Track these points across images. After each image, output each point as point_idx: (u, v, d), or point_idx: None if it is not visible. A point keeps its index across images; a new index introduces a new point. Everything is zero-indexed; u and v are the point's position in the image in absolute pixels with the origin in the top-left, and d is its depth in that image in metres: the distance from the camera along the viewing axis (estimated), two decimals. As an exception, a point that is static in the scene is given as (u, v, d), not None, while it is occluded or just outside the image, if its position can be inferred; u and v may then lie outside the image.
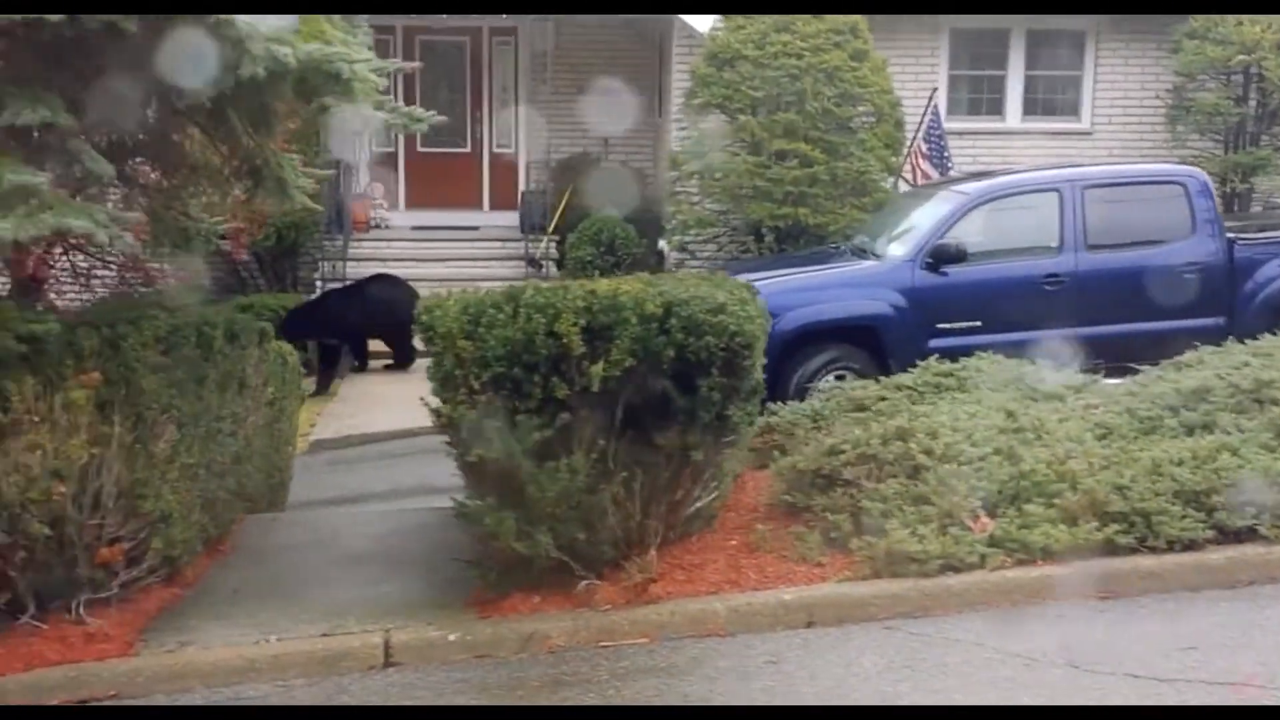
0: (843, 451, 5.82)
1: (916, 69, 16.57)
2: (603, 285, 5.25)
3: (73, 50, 5.00)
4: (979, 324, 10.01)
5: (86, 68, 5.06)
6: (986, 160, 16.48)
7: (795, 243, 15.20)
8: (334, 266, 17.28)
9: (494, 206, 19.30)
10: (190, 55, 4.89)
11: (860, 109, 15.30)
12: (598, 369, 5.02)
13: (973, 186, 11.09)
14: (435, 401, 5.29)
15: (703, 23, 16.18)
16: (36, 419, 5.14)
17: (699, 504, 5.63)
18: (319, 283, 17.07)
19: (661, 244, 17.43)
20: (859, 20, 15.38)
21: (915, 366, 8.03)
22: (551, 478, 5.11)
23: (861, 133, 15.29)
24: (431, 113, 6.52)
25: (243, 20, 4.83)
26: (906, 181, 15.54)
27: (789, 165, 15.00)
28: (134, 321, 5.65)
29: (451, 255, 18.11)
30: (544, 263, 17.78)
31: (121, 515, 5.53)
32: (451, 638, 5.26)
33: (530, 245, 17.82)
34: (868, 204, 15.45)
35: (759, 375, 5.55)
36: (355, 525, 7.66)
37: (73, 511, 5.29)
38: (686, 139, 15.96)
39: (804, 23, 15.19)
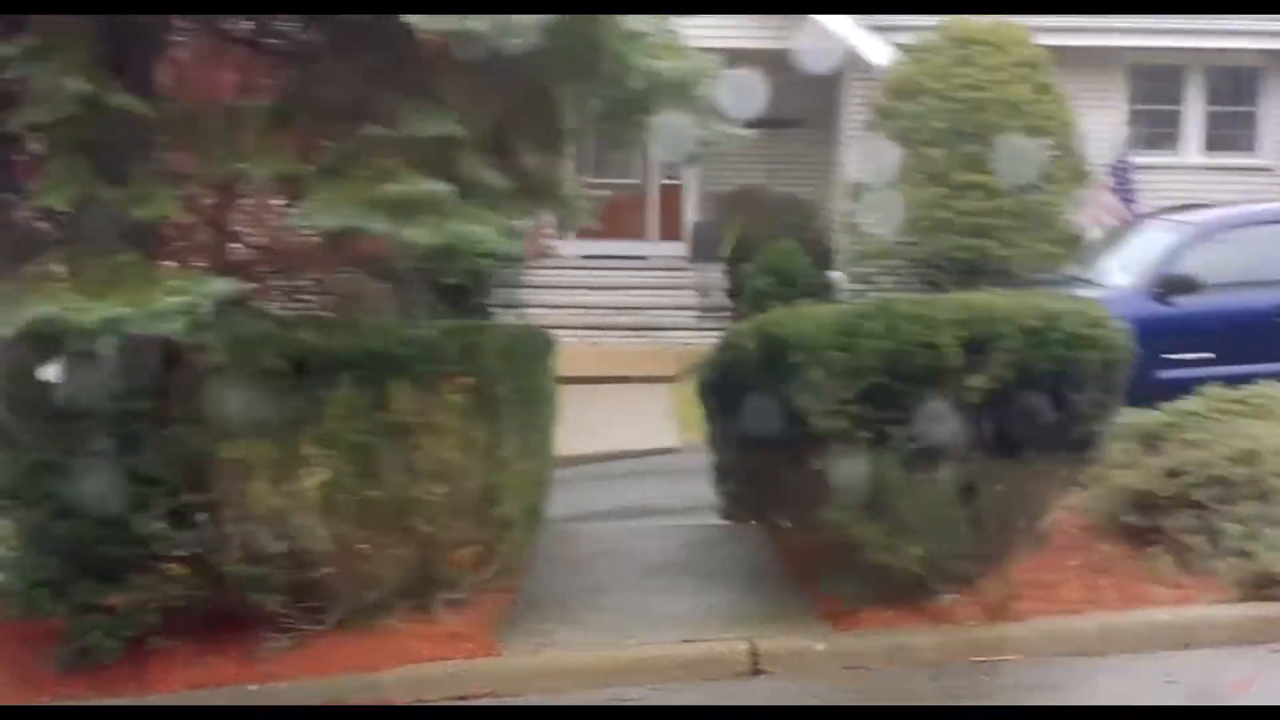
0: (1184, 473, 5.79)
1: (1094, 104, 16.46)
2: (975, 299, 5.31)
3: (459, 64, 5.18)
4: (1211, 356, 9.88)
5: (474, 82, 5.23)
6: (1164, 195, 16.28)
7: (979, 275, 15.13)
8: (510, 294, 17.55)
9: (661, 237, 19.48)
10: (581, 68, 5.04)
11: (1044, 142, 15.25)
12: (976, 381, 5.06)
13: (1201, 217, 10.99)
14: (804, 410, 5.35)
15: (880, 55, 16.25)
16: (419, 421, 5.29)
17: (1046, 521, 5.64)
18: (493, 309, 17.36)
19: (833, 274, 17.48)
20: (1040, 54, 15.35)
21: (1143, 398, 7.89)
22: (922, 490, 5.15)
23: (1048, 166, 15.23)
24: (747, 133, 6.62)
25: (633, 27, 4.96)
26: (1090, 217, 15.43)
27: (974, 197, 14.98)
28: (481, 330, 5.82)
29: (622, 284, 18.31)
30: (716, 292, 17.90)
31: (477, 519, 5.68)
32: (819, 647, 5.31)
33: (703, 275, 17.94)
34: (1053, 237, 15.37)
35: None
36: (633, 540, 7.75)
37: (444, 513, 5.44)
38: (866, 170, 16.01)
39: (986, 56, 15.19)
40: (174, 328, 4.67)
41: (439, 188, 4.87)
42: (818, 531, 6.09)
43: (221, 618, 5.52)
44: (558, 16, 4.59)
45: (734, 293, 18.04)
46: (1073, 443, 5.33)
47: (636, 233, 19.43)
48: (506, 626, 5.77)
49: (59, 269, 5.01)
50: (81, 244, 5.08)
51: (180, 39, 5.92)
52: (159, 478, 5.23)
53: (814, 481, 5.64)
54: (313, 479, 5.24)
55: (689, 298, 18.16)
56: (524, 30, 4.56)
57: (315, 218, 4.86)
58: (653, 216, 19.70)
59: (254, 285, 5.63)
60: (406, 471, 5.32)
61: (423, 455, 5.31)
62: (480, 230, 4.98)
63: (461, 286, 17.71)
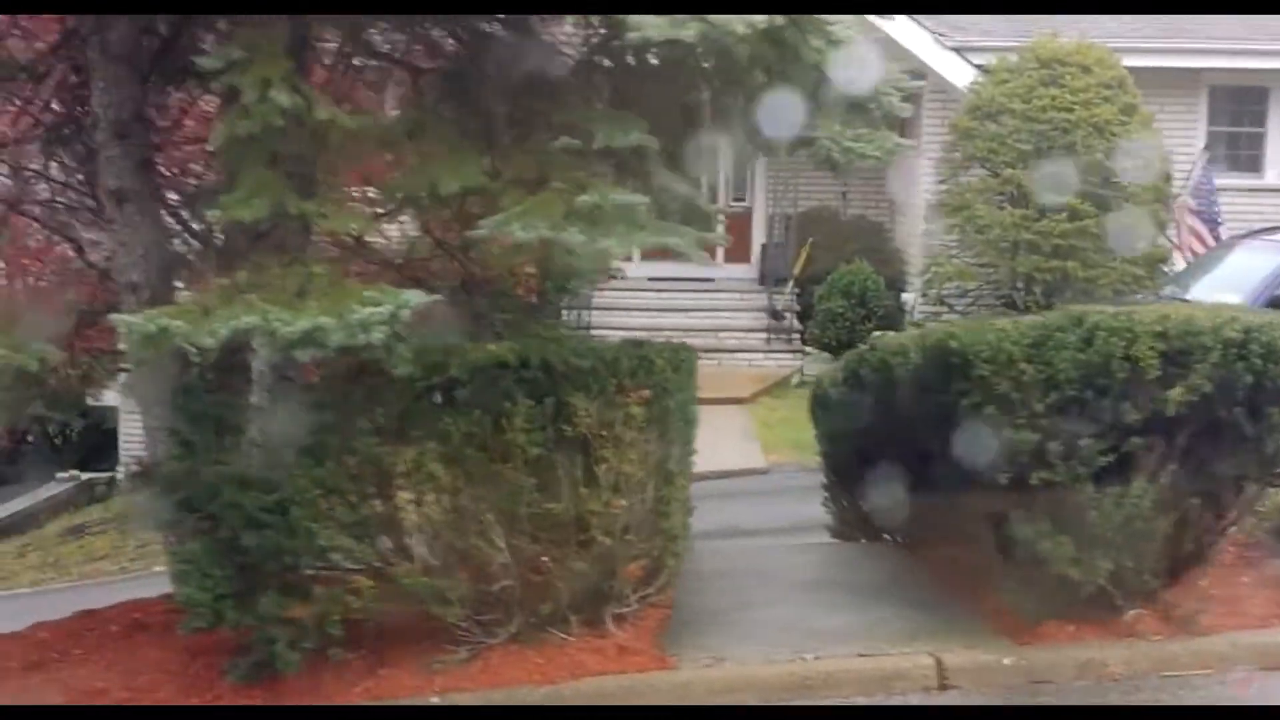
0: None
1: (1175, 124, 16.38)
2: (1172, 310, 5.27)
3: (653, 75, 5.19)
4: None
5: (664, 93, 5.23)
6: (1245, 218, 16.15)
7: (1062, 296, 15.05)
8: (579, 315, 17.56)
9: (728, 259, 19.45)
10: (776, 76, 5.03)
11: (1129, 163, 15.19)
12: (1175, 394, 5.02)
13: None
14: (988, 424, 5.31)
15: (961, 77, 16.24)
16: (599, 433, 5.28)
17: (1230, 536, 5.58)
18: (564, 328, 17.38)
19: (905, 296, 17.42)
20: (1126, 75, 15.31)
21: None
22: (1116, 503, 5.10)
23: (1131, 187, 15.17)
24: (896, 141, 6.63)
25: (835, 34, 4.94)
26: (1170, 240, 15.34)
27: (1058, 218, 14.92)
28: (642, 344, 5.82)
29: (690, 306, 18.32)
30: (786, 314, 17.87)
31: (649, 532, 5.66)
32: (1006, 661, 5.25)
33: (772, 297, 17.91)
34: (1138, 259, 15.29)
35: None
36: (766, 557, 7.75)
37: (622, 526, 5.43)
38: (945, 191, 15.98)
39: (1072, 77, 15.16)
40: (375, 338, 4.67)
41: (633, 199, 4.87)
42: (976, 547, 6.07)
43: (395, 630, 5.53)
44: (766, 19, 4.57)
45: (804, 315, 18.03)
46: (1267, 457, 5.27)
47: (703, 254, 19.41)
48: (670, 640, 5.73)
49: (246, 281, 5.03)
50: (270, 256, 5.10)
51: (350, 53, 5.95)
52: (341, 489, 5.23)
53: (985, 496, 5.61)
54: (493, 491, 5.23)
55: (757, 320, 18.15)
56: (732, 38, 4.56)
57: (510, 229, 4.85)
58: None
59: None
60: (586, 484, 5.30)
61: (604, 468, 5.29)
62: (673, 241, 4.97)
63: (530, 304, 17.82)
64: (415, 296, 4.83)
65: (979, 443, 5.40)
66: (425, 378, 5.22)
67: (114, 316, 4.83)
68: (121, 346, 5.49)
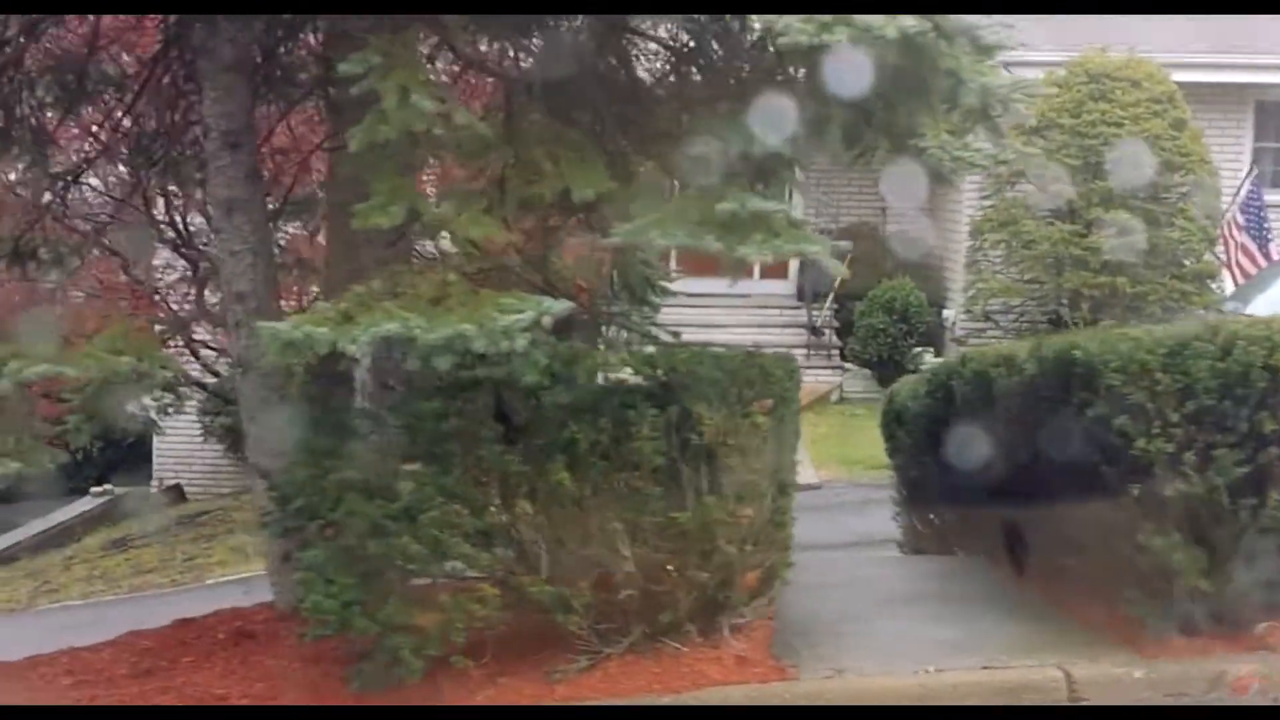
0: None
1: (1222, 140, 16.38)
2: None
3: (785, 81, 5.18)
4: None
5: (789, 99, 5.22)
6: (1290, 234, 16.15)
7: (1110, 312, 15.04)
8: (618, 331, 17.51)
9: (764, 275, 19.45)
10: (914, 84, 5.01)
11: (1178, 178, 15.20)
12: (1316, 404, 5.00)
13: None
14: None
15: (1004, 92, 16.21)
16: (725, 443, 5.27)
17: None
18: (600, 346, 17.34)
19: (946, 313, 17.40)
20: (1175, 89, 15.31)
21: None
22: (1252, 515, 5.07)
23: (1181, 202, 15.18)
24: (1037, 152, 6.61)
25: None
26: (1218, 257, 15.33)
27: (1107, 233, 14.91)
28: (757, 354, 5.82)
29: (727, 322, 18.26)
30: (825, 330, 17.86)
31: (765, 542, 5.64)
32: (1137, 675, 5.21)
33: (811, 312, 17.89)
34: (1187, 274, 15.28)
35: None
36: (854, 569, 7.72)
37: (745, 535, 5.41)
38: (989, 206, 15.97)
39: (1122, 92, 15.17)
40: (519, 345, 4.66)
41: (770, 206, 4.86)
42: (1087, 559, 6.03)
43: (513, 638, 5.50)
44: (916, 20, 4.55)
45: (843, 331, 18.00)
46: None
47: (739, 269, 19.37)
48: (782, 651, 5.69)
49: (381, 288, 5.02)
50: (405, 263, 5.09)
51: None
52: (467, 497, 5.21)
53: (1103, 508, 5.58)
54: (618, 500, 5.22)
55: (796, 336, 18.11)
56: (880, 42, 4.54)
57: (648, 236, 4.84)
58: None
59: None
60: (712, 493, 5.28)
61: (730, 477, 5.27)
62: (811, 249, 4.96)
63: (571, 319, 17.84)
64: (557, 304, 4.82)
65: (1104, 454, 5.38)
66: (551, 386, 5.20)
67: (260, 324, 4.81)
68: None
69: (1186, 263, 15.35)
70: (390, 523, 5.18)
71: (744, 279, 19.98)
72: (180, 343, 14.89)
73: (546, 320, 4.75)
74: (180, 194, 8.36)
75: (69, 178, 7.49)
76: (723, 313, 18.44)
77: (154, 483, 18.86)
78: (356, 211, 5.04)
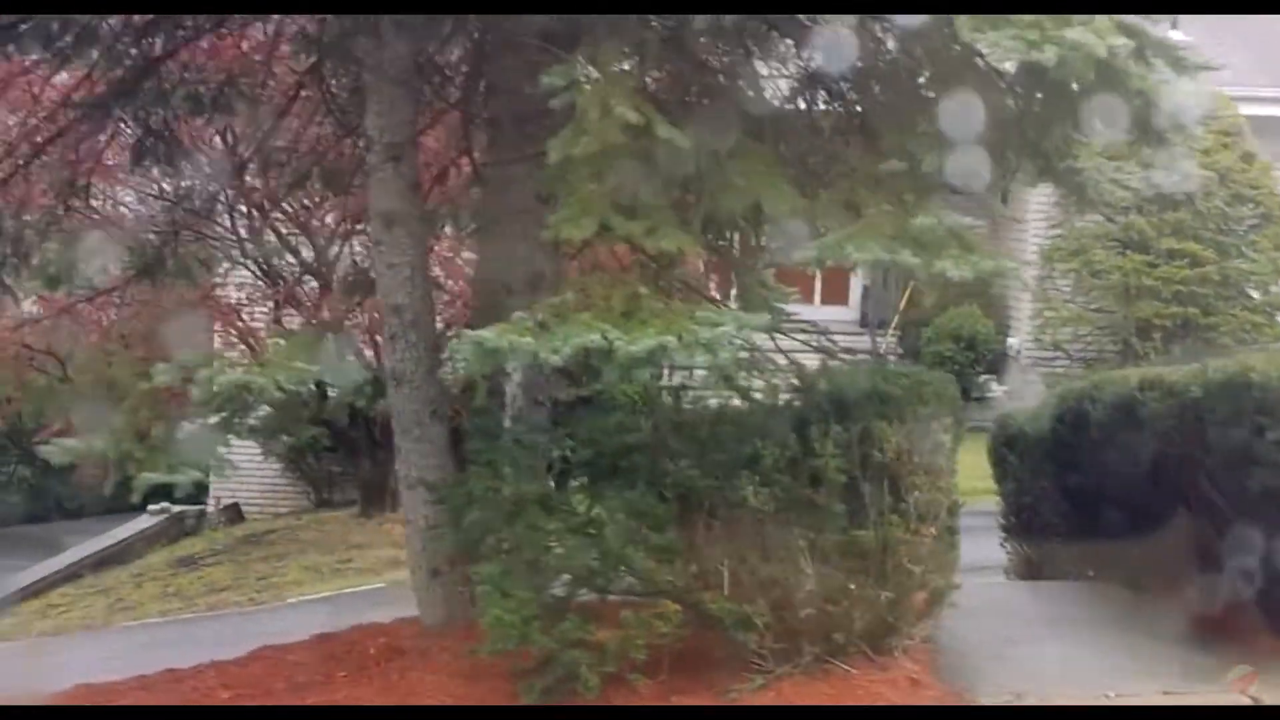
0: None
1: (1284, 172, 16.37)
2: None
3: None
4: None
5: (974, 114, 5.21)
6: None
7: (1181, 342, 15.00)
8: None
9: (824, 301, 19.43)
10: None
11: (1248, 210, 15.20)
12: None
13: None
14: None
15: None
16: (912, 460, 5.25)
17: None
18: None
19: (1011, 341, 17.36)
20: (1244, 121, 15.33)
21: None
22: None
23: (1251, 234, 15.17)
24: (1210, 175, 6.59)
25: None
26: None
27: (1178, 264, 14.90)
28: (931, 372, 5.81)
29: (786, 348, 18.20)
30: (890, 357, 17.82)
31: (937, 562, 5.60)
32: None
33: (876, 339, 17.86)
34: (1258, 306, 15.24)
35: None
36: (987, 594, 7.59)
37: (925, 554, 5.38)
38: (1058, 235, 15.96)
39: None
40: (723, 358, 4.66)
41: (966, 221, 4.85)
42: (1243, 585, 5.98)
43: (685, 655, 5.46)
44: (1124, 41, 4.55)
45: (908, 358, 17.95)
46: None
47: (798, 297, 19.37)
48: (948, 673, 5.66)
49: (574, 300, 5.02)
50: (596, 275, 5.09)
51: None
52: (649, 511, 5.19)
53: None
54: (801, 517, 5.19)
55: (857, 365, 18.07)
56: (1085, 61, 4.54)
57: (844, 252, 4.84)
58: (815, 280, 19.65)
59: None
60: (894, 511, 5.25)
61: (915, 496, 5.25)
62: (1007, 265, 4.96)
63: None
64: (755, 318, 4.82)
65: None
66: (734, 400, 5.19)
67: (466, 332, 4.80)
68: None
69: (1256, 294, 15.33)
70: (571, 537, 5.16)
71: (804, 304, 20.06)
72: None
73: (747, 333, 4.74)
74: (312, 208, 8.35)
75: (209, 189, 7.49)
76: (782, 339, 18.43)
77: (211, 501, 18.84)
78: (549, 224, 5.03)
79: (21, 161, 6.96)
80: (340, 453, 16.47)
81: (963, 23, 4.64)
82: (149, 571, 14.92)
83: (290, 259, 13.16)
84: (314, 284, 13.11)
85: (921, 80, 5.23)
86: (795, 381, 5.41)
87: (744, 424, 5.20)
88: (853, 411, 5.26)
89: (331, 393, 12.26)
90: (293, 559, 14.17)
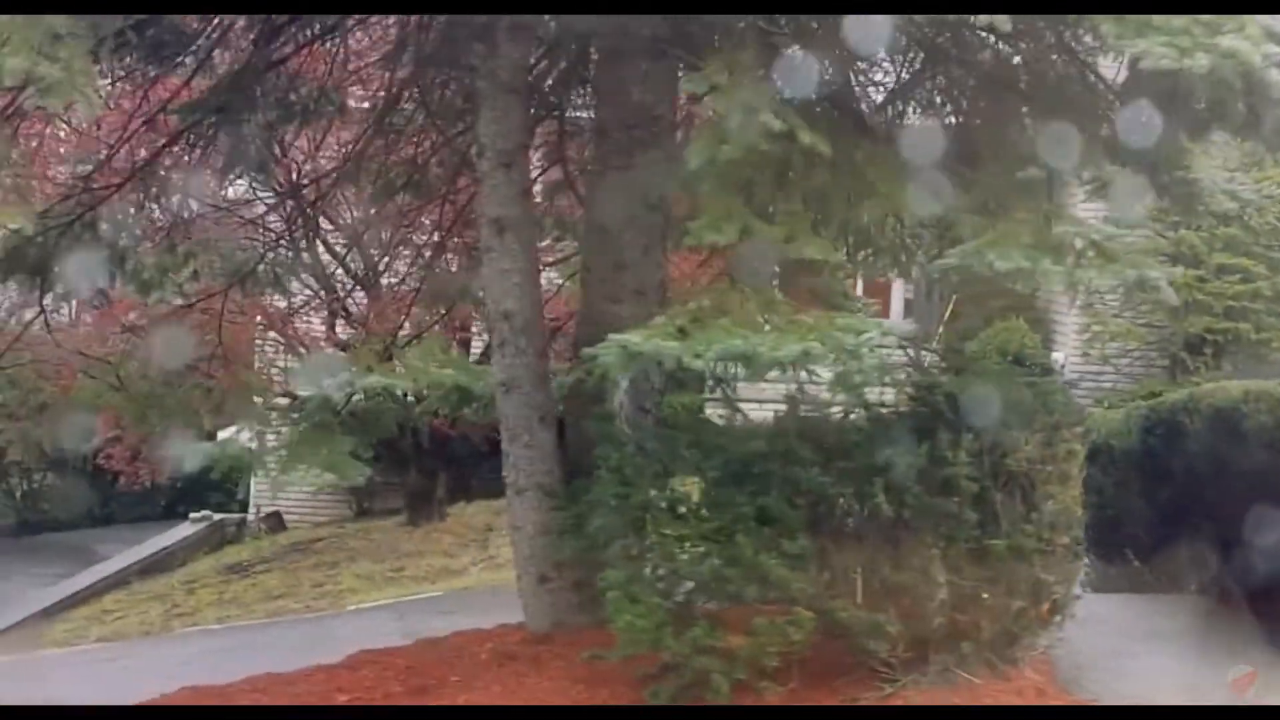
0: None
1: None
2: None
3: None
4: None
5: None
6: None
7: (1232, 358, 14.97)
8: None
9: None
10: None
11: (1305, 225, 15.17)
12: None
13: None
14: None
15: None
16: (1046, 469, 5.24)
17: None
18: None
19: (1056, 355, 17.32)
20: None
21: None
22: None
23: (1307, 249, 15.13)
24: None
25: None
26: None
27: (1230, 279, 14.87)
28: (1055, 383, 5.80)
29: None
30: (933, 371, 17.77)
31: (1063, 572, 5.59)
32: None
33: (920, 354, 17.82)
34: (1312, 322, 15.20)
35: None
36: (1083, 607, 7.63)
37: (1057, 563, 5.37)
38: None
39: (1243, 139, 15.13)
40: (868, 364, 4.66)
41: (1110, 230, 4.85)
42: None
43: (810, 663, 5.44)
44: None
45: (949, 372, 17.90)
46: None
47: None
48: (1069, 683, 5.65)
49: (710, 306, 5.02)
50: (729, 281, 5.10)
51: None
52: (784, 519, 5.18)
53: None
54: (933, 526, 5.19)
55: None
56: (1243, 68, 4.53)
57: (985, 259, 4.84)
58: (856, 290, 19.64)
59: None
60: (1028, 520, 5.25)
61: (1050, 504, 5.24)
62: (1152, 274, 4.95)
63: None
64: (900, 326, 4.81)
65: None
66: (868, 407, 5.19)
67: (613, 336, 4.80)
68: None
69: (1308, 310, 15.29)
70: (702, 544, 5.16)
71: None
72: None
73: (890, 339, 4.74)
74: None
75: (312, 199, 7.50)
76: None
77: (252, 509, 18.86)
78: (690, 230, 5.04)
79: (125, 177, 6.99)
80: (385, 462, 16.45)
81: (1109, 28, 4.65)
82: (199, 578, 14.94)
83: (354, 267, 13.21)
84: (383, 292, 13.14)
85: (1034, 87, 5.21)
86: (922, 390, 5.39)
87: (873, 432, 5.19)
88: (982, 419, 5.24)
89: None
90: (344, 567, 14.19)
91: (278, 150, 7.63)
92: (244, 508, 19.24)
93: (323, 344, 14.18)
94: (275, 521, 18.68)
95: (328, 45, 7.52)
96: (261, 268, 7.82)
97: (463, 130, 7.10)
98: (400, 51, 7.35)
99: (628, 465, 5.34)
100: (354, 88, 7.60)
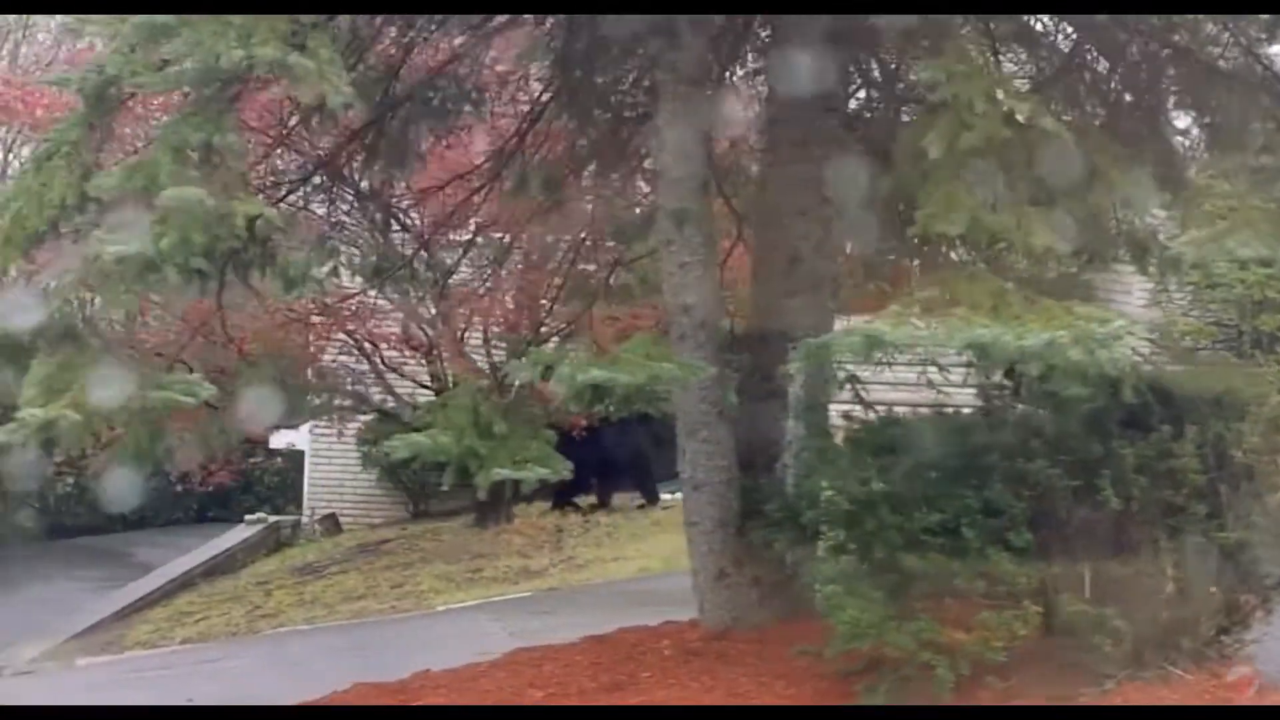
0: None
1: None
2: None
3: None
4: None
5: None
6: None
7: (1304, 355, 14.94)
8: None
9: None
10: None
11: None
12: None
13: None
14: None
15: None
16: (1266, 459, 5.19)
17: None
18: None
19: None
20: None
21: None
22: None
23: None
24: None
25: None
26: None
27: (1304, 276, 14.84)
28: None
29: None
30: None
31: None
32: None
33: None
34: (1386, 320, 15.17)
35: None
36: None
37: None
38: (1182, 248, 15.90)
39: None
40: (1117, 354, 4.60)
41: None
42: None
43: (1027, 658, 5.38)
44: None
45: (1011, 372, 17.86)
46: None
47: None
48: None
49: (938, 296, 4.97)
50: (954, 269, 5.05)
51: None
52: (1007, 512, 5.12)
53: None
54: (1162, 518, 5.13)
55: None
56: None
57: (1223, 245, 4.80)
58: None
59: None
60: (1258, 513, 5.19)
61: (1275, 497, 5.19)
62: None
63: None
64: (1144, 314, 4.76)
65: None
66: (1091, 400, 5.13)
67: (857, 324, 4.74)
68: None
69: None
70: (928, 537, 5.10)
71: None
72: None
73: (1138, 332, 4.69)
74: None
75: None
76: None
77: (307, 511, 18.78)
78: (920, 219, 4.98)
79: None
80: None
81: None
82: (270, 579, 14.83)
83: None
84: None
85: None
86: (1145, 380, 5.32)
87: (1097, 423, 5.14)
88: (1206, 410, 5.19)
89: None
90: (418, 568, 14.10)
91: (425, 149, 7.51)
92: (275, 510, 19.19)
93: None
94: (331, 523, 18.59)
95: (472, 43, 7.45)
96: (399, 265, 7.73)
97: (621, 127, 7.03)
98: (545, 51, 7.28)
99: (841, 458, 5.28)
100: (499, 87, 7.49)
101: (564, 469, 5.31)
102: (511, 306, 12.72)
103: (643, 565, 12.67)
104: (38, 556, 19.26)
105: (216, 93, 4.98)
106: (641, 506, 15.17)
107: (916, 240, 5.33)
